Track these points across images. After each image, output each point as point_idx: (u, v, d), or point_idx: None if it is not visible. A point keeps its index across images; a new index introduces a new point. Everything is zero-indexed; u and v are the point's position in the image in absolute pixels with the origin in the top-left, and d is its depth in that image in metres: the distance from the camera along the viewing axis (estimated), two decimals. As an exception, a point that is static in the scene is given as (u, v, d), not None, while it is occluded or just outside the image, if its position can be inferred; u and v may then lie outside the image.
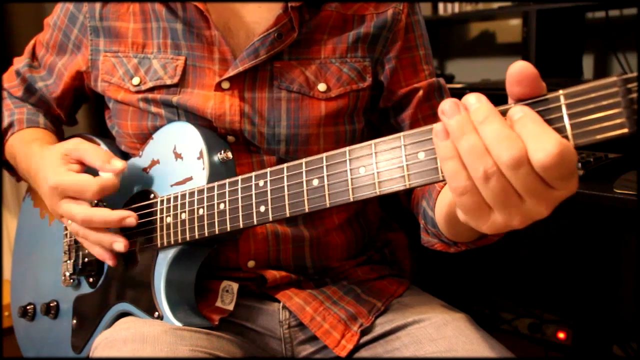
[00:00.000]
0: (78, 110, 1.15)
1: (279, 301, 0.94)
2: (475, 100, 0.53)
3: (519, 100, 0.53)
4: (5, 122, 1.05)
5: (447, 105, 0.54)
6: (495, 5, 2.05)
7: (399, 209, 1.06)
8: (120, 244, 0.86)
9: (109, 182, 0.85)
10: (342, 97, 0.93)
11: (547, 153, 0.48)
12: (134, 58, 0.94)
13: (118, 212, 0.86)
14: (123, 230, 0.93)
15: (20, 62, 1.09)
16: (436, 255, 0.99)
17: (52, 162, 0.89)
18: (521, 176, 0.50)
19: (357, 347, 0.91)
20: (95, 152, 0.87)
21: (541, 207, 0.52)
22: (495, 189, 0.52)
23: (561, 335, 1.94)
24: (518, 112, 0.51)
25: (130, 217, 0.86)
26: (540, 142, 0.48)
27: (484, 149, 0.51)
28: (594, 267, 1.80)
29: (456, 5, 2.16)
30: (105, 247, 0.88)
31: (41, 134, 1.03)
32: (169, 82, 0.92)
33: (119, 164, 0.86)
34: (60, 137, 1.10)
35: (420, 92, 0.96)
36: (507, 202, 0.52)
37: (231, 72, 0.89)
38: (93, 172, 0.87)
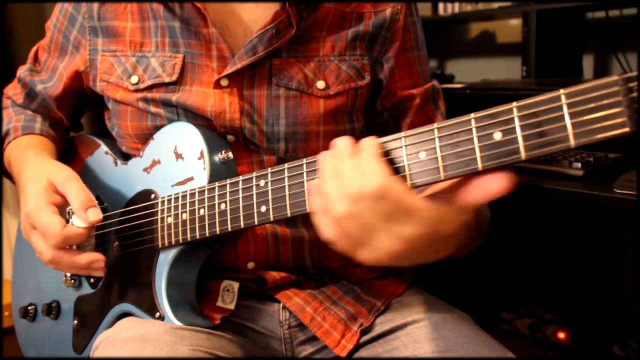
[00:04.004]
0: (82, 116, 1.15)
1: (279, 301, 0.94)
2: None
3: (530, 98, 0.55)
4: (3, 131, 1.06)
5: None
6: (495, 5, 2.06)
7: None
8: (98, 273, 0.90)
9: (75, 233, 0.85)
10: (340, 95, 0.93)
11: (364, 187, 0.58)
12: (132, 57, 0.94)
13: (86, 256, 0.87)
14: (122, 231, 0.93)
15: (22, 69, 1.10)
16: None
17: (37, 187, 0.88)
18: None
19: (357, 347, 0.91)
20: (78, 194, 0.86)
21: (382, 241, 0.60)
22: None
23: (561, 335, 1.94)
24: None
25: (99, 261, 0.87)
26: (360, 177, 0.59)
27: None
28: (594, 267, 1.80)
29: (456, 5, 2.16)
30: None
31: (36, 141, 1.03)
32: (167, 80, 0.92)
33: (93, 215, 0.85)
34: (61, 142, 1.10)
35: (417, 100, 0.97)
36: (345, 234, 0.61)
37: (229, 70, 0.89)
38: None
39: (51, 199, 0.87)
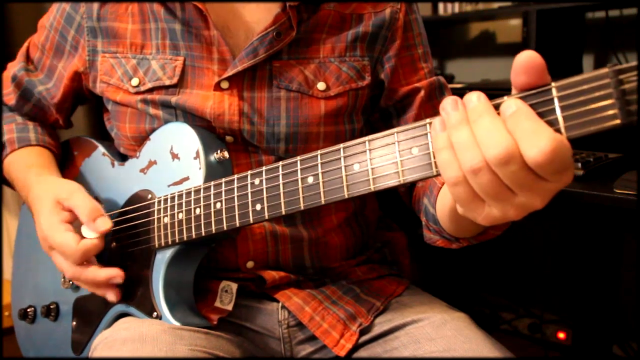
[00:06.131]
0: (73, 113, 1.14)
1: (278, 301, 0.94)
2: (474, 99, 0.54)
3: (523, 90, 0.53)
4: None
5: (447, 102, 0.55)
6: (495, 5, 2.05)
7: (398, 208, 1.06)
8: (112, 296, 0.89)
9: (91, 246, 0.85)
10: (341, 96, 0.93)
11: (541, 150, 0.48)
12: (132, 59, 0.94)
13: (106, 271, 0.87)
14: (119, 231, 0.93)
15: (14, 66, 1.08)
16: (436, 255, 0.99)
17: (46, 208, 0.88)
18: (510, 172, 0.51)
19: (356, 347, 0.91)
20: (85, 207, 0.86)
21: (535, 199, 0.53)
22: (483, 183, 0.53)
23: (561, 335, 1.94)
24: (511, 106, 0.51)
25: (117, 277, 0.87)
26: (533, 139, 0.49)
27: (474, 143, 0.52)
28: (594, 267, 1.79)
29: (456, 5, 2.16)
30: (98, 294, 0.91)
31: (35, 157, 1.02)
32: (167, 82, 0.92)
33: (103, 225, 0.85)
34: (57, 146, 1.09)
35: (422, 93, 0.96)
36: (498, 195, 0.53)
37: (230, 72, 0.89)
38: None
39: (62, 217, 0.87)
